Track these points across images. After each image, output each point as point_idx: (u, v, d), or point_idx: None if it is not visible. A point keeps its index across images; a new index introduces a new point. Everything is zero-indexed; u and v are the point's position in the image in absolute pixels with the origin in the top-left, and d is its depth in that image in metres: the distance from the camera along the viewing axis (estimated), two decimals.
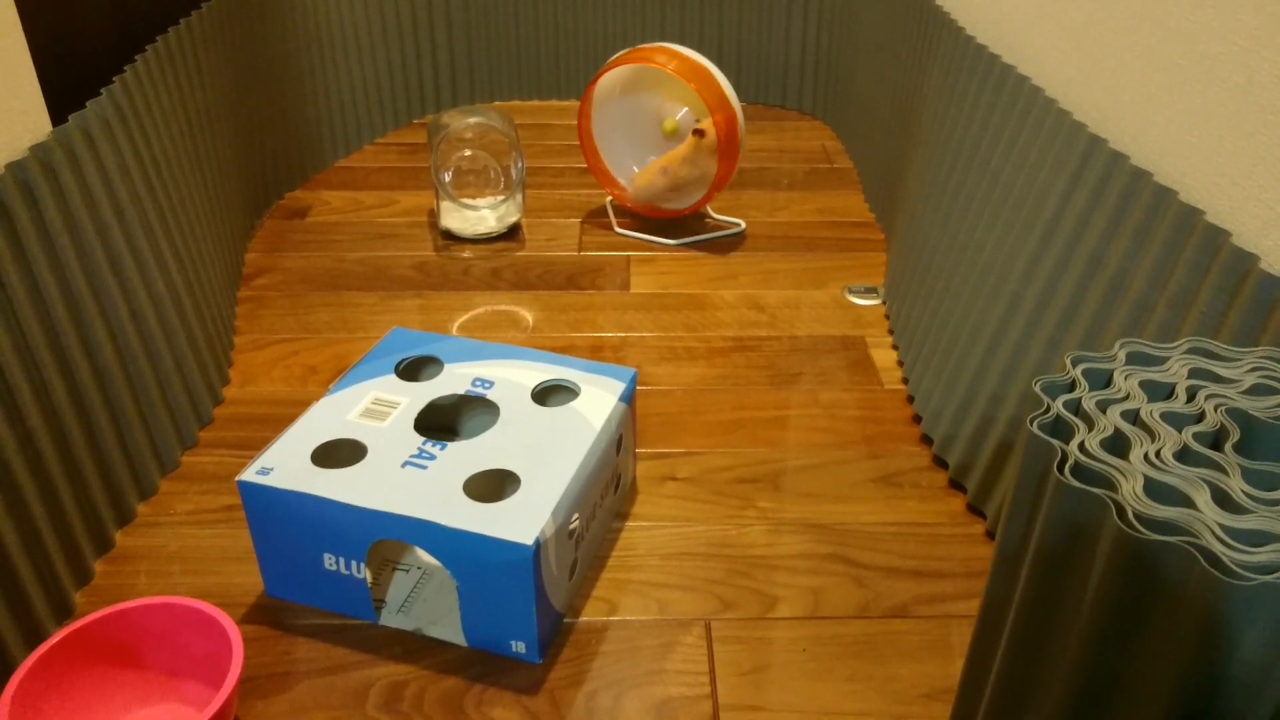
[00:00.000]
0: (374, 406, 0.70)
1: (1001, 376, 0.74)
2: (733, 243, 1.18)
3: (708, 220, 1.23)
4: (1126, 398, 0.42)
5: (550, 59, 1.60)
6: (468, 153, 1.17)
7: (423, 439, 0.67)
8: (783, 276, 1.11)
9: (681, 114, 1.19)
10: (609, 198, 1.26)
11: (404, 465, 0.64)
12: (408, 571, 0.70)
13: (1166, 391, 0.42)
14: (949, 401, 0.81)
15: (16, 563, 0.61)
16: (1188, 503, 0.36)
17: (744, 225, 1.22)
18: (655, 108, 1.19)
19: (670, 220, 1.22)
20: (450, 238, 1.18)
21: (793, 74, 1.59)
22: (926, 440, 0.84)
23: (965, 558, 0.72)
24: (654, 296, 1.06)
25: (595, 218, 1.24)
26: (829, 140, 1.50)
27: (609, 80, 1.17)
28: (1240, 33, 0.55)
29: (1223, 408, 0.41)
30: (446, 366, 0.75)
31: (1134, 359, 0.44)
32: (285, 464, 0.64)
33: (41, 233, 0.66)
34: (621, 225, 1.20)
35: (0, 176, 0.63)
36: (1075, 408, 0.42)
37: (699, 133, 1.12)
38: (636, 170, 1.22)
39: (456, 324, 1.01)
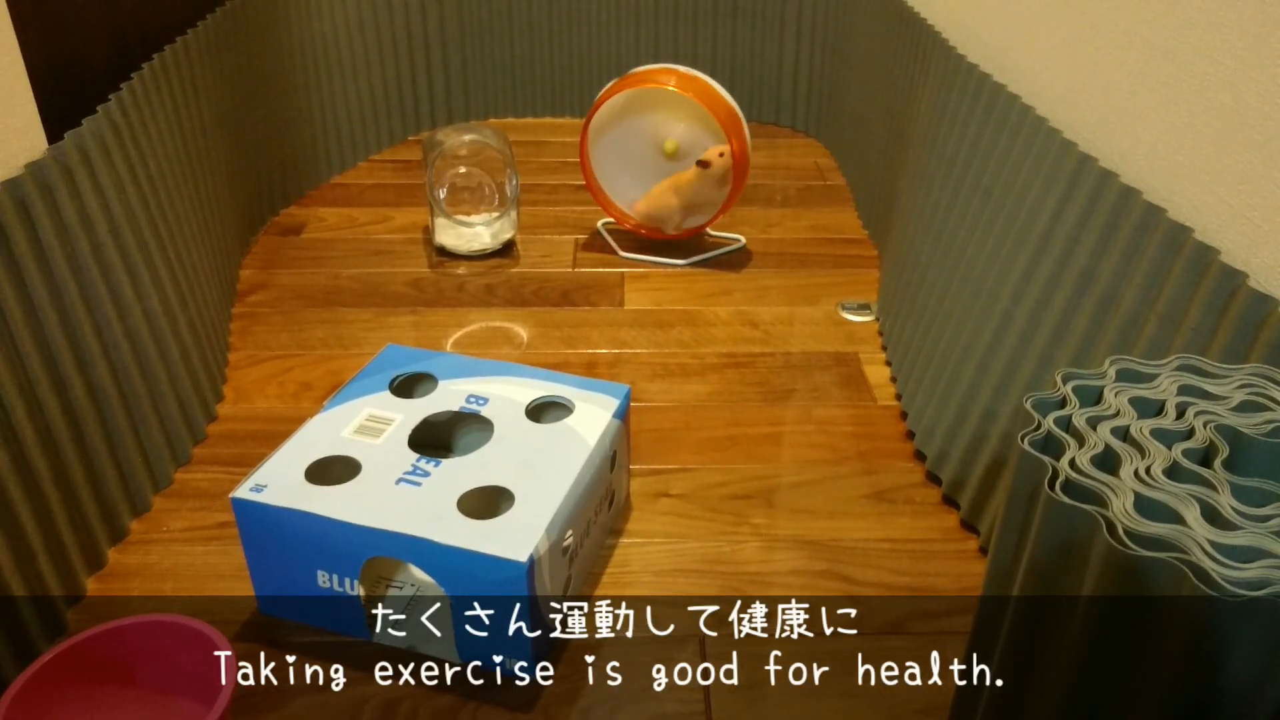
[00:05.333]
0: (368, 423, 0.70)
1: (994, 393, 0.74)
2: (726, 259, 1.19)
3: (706, 238, 1.23)
4: (1117, 414, 0.42)
5: (545, 77, 1.61)
6: (462, 169, 1.17)
7: (417, 456, 0.67)
8: (776, 293, 1.11)
9: (680, 131, 1.19)
10: (600, 222, 1.26)
11: (398, 482, 0.64)
12: (401, 589, 0.70)
13: (1156, 408, 0.43)
14: (942, 418, 0.81)
15: (8, 579, 0.60)
16: (1178, 519, 0.37)
17: (743, 240, 1.23)
18: (654, 129, 1.19)
19: (668, 241, 1.22)
20: (445, 254, 1.18)
21: (786, 92, 1.60)
22: (920, 456, 0.84)
23: (958, 574, 0.72)
24: (648, 313, 1.06)
25: (590, 234, 1.24)
26: (822, 157, 1.51)
27: (607, 107, 1.18)
28: (1228, 54, 0.56)
29: (1212, 424, 0.41)
30: (441, 383, 0.75)
31: (1124, 376, 0.45)
32: (279, 481, 0.64)
33: (37, 250, 0.66)
34: (622, 248, 1.20)
35: None
36: (1066, 424, 0.42)
37: (703, 164, 1.12)
38: (637, 197, 1.21)
39: (451, 340, 1.01)
